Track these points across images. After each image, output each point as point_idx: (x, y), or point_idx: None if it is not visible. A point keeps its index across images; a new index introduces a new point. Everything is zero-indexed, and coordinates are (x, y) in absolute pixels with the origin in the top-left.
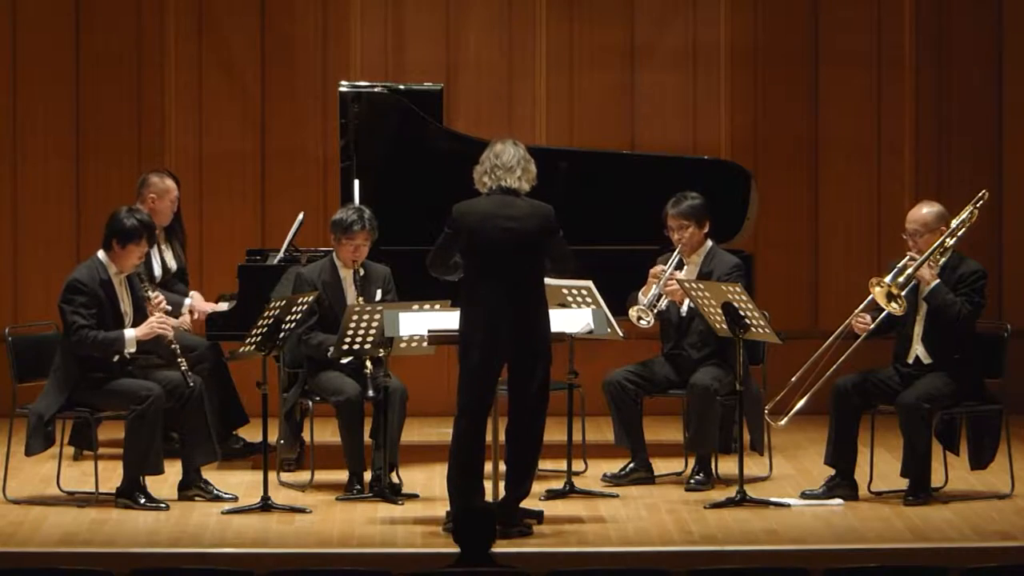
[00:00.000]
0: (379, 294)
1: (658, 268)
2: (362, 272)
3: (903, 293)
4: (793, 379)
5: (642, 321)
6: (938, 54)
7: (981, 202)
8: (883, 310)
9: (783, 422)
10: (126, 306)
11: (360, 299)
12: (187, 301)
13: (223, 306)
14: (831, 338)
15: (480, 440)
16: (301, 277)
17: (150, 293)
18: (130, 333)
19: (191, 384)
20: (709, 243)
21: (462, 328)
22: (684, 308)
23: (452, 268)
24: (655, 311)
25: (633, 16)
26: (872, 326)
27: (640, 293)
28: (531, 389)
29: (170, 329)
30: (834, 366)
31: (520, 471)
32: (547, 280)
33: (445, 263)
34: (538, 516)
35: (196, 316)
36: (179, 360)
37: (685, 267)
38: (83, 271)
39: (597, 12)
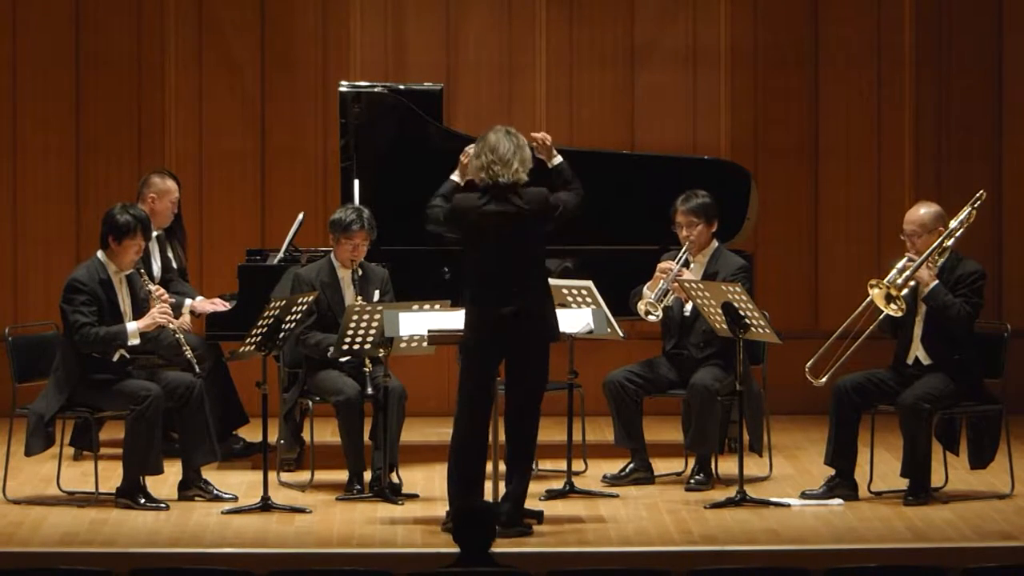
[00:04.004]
0: (377, 295)
1: (666, 263)
2: (360, 272)
3: (902, 294)
4: (831, 339)
5: (650, 316)
6: (938, 54)
7: (979, 202)
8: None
9: (823, 380)
10: (125, 306)
11: (359, 298)
12: (187, 301)
13: (226, 305)
14: (864, 303)
15: (480, 438)
16: (299, 278)
17: (151, 287)
18: (132, 326)
19: (198, 371)
20: (715, 243)
21: (465, 324)
22: (688, 307)
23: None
24: (662, 305)
25: (633, 16)
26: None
27: (646, 288)
28: (531, 383)
29: (172, 319)
30: (869, 328)
31: (520, 466)
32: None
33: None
34: (538, 516)
35: (198, 315)
36: (184, 349)
37: (692, 265)
38: (82, 271)
39: (597, 12)
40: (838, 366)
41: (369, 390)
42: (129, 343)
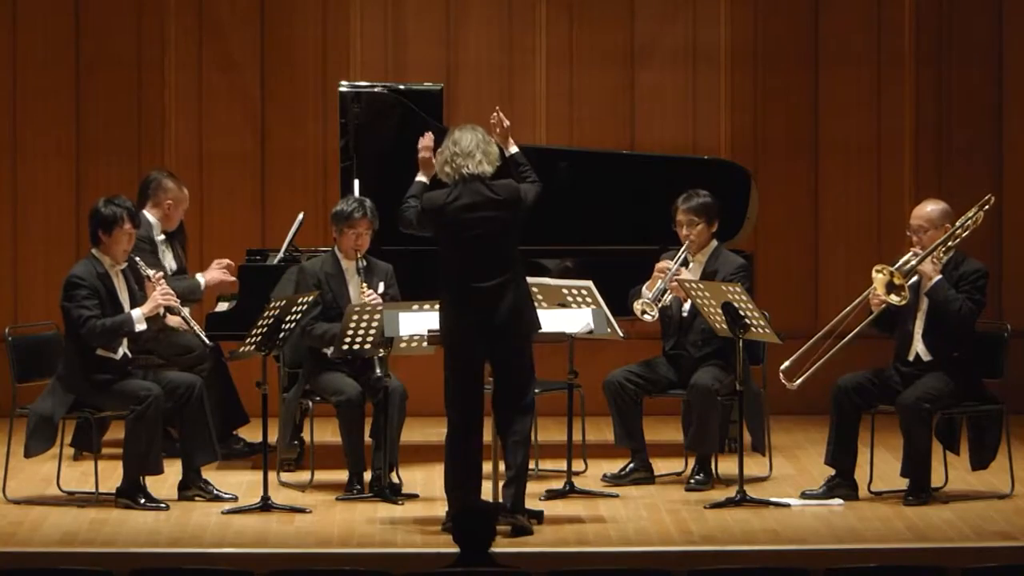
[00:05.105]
0: (382, 287)
1: (664, 263)
2: (364, 263)
3: (907, 284)
4: (809, 343)
5: (646, 315)
6: (938, 54)
7: (987, 206)
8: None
9: (797, 383)
10: (124, 298)
11: (364, 285)
12: (200, 279)
13: (224, 308)
14: (850, 306)
15: (473, 435)
16: (304, 270)
17: (149, 271)
18: (136, 312)
19: (209, 344)
20: (714, 242)
21: (443, 323)
22: (687, 307)
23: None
24: (659, 305)
25: (633, 16)
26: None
27: (644, 287)
28: (518, 374)
29: (175, 300)
30: (853, 332)
31: (516, 453)
32: (547, 280)
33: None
34: (538, 516)
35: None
36: (192, 325)
37: (691, 265)
38: (79, 267)
39: (597, 12)
40: (815, 368)
41: (378, 371)
42: (136, 329)
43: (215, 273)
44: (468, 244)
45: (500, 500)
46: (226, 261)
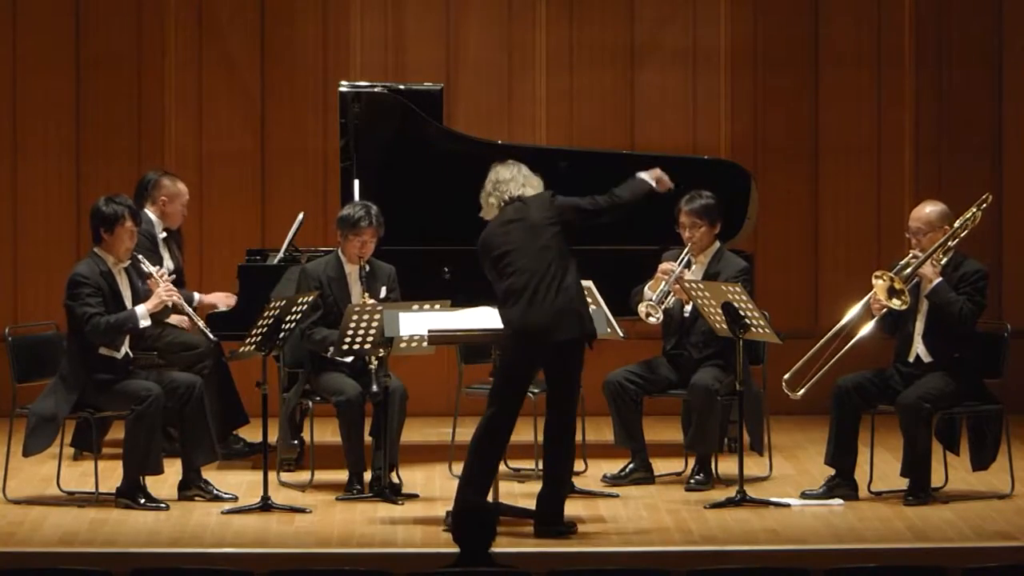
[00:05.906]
0: (384, 291)
1: (668, 265)
2: (367, 268)
3: (907, 288)
4: (810, 353)
5: (651, 318)
6: (938, 54)
7: (985, 205)
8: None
9: (800, 393)
10: (127, 295)
11: (366, 295)
12: (196, 296)
13: (220, 308)
14: (851, 313)
15: (501, 440)
16: (305, 272)
17: (151, 268)
18: (140, 308)
19: (213, 340)
20: (717, 244)
21: (504, 334)
22: (688, 308)
23: None
24: (663, 307)
25: (633, 16)
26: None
27: (647, 287)
28: (568, 384)
29: (178, 296)
30: (854, 339)
31: (559, 468)
32: None
33: None
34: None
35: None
36: (196, 321)
37: (693, 266)
38: (83, 266)
39: (597, 12)
40: (816, 379)
41: (374, 387)
42: (140, 325)
43: (217, 298)
44: (509, 252)
45: (501, 500)
46: (223, 307)
